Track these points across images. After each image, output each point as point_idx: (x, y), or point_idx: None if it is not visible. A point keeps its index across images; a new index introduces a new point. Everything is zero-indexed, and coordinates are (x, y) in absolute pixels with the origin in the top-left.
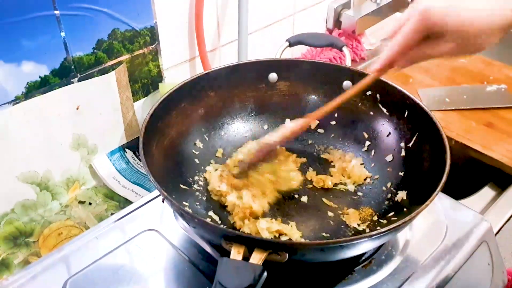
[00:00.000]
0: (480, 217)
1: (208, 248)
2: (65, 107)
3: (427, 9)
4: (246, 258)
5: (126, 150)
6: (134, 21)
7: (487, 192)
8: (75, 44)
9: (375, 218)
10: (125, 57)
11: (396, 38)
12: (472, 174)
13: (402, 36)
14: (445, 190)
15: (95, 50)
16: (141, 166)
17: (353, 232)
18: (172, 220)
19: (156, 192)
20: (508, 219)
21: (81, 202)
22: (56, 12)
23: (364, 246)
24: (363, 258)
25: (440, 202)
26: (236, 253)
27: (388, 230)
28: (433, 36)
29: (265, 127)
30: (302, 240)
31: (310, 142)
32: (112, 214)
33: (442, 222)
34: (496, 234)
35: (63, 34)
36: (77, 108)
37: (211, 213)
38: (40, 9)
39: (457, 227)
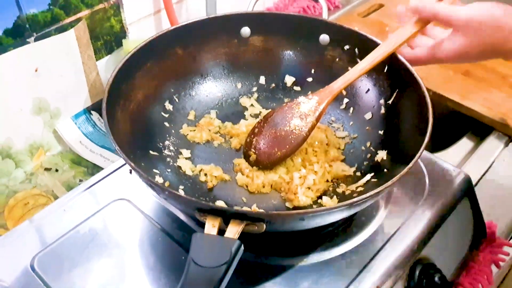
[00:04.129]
0: (462, 172)
1: (182, 217)
2: (22, 70)
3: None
4: (222, 230)
5: (92, 112)
6: None
7: (465, 143)
8: (28, 0)
9: (355, 179)
10: (85, 13)
11: (443, 53)
12: (451, 124)
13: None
14: None
15: (51, 7)
16: None
17: (332, 194)
18: (144, 188)
19: None
20: (487, 170)
21: (47, 169)
22: None
23: (345, 213)
24: (344, 219)
25: (420, 158)
26: (211, 226)
27: (368, 197)
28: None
29: (239, 85)
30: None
31: (286, 100)
32: (80, 180)
33: (422, 179)
34: (474, 186)
35: None
36: (36, 70)
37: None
38: None
39: (438, 183)
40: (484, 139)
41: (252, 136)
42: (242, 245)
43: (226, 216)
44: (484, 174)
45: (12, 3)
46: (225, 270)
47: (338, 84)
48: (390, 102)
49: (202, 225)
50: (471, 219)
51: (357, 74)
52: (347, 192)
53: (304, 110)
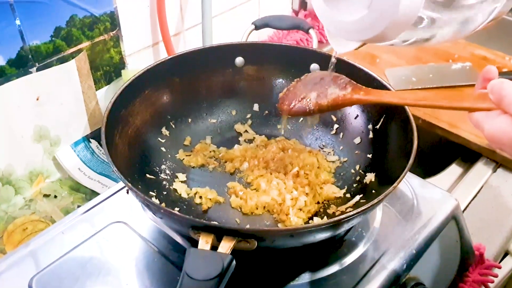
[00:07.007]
0: (448, 195)
1: (178, 238)
2: (25, 98)
3: None
4: (215, 247)
5: (91, 140)
6: (93, 6)
7: (455, 169)
8: (32, 32)
9: (345, 200)
10: (85, 44)
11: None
12: (441, 151)
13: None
14: (414, 169)
15: (53, 38)
16: None
17: (323, 215)
18: (140, 211)
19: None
20: (476, 195)
21: (46, 196)
22: None
23: (332, 231)
24: (334, 240)
25: (408, 181)
26: (205, 242)
27: (355, 214)
28: None
29: (234, 112)
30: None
31: (279, 126)
32: (78, 206)
33: (411, 202)
34: (464, 210)
35: (18, 22)
36: (37, 99)
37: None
38: None
39: (425, 206)
40: (473, 165)
41: (288, 89)
42: (234, 260)
43: (219, 233)
44: (473, 199)
45: (16, 35)
46: (217, 283)
47: (373, 98)
48: (377, 127)
49: (196, 245)
50: (459, 241)
51: (399, 102)
52: (337, 213)
53: (334, 91)
